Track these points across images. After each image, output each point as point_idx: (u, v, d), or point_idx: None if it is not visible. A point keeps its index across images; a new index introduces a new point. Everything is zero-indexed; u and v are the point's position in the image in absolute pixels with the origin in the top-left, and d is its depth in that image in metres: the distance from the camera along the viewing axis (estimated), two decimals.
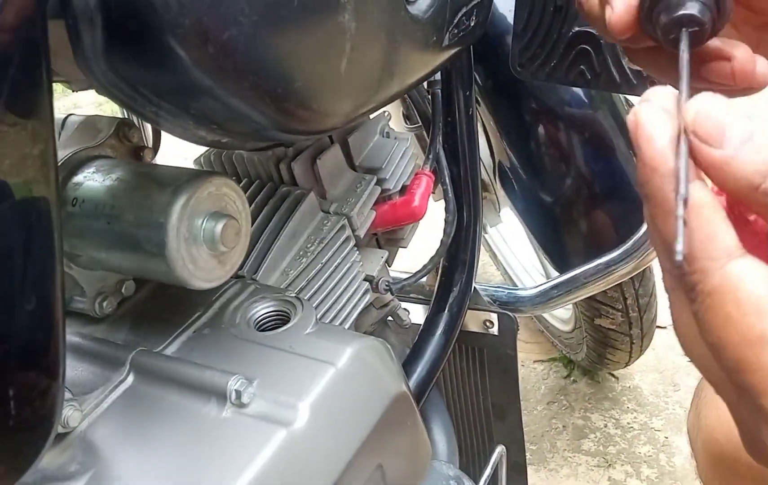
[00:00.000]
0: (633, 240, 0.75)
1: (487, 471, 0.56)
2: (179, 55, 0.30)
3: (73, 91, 0.49)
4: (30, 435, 0.34)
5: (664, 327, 1.69)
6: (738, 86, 0.36)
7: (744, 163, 0.26)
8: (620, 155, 0.93)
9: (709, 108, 0.27)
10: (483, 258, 2.00)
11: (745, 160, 0.26)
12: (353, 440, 0.43)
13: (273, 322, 0.50)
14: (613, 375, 1.59)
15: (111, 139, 0.48)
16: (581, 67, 0.67)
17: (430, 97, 0.71)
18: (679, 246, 0.25)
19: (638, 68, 0.62)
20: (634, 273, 0.78)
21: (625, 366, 1.44)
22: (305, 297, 0.61)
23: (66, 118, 0.49)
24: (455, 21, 0.50)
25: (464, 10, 0.50)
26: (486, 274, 2.01)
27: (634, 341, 1.23)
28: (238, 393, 0.41)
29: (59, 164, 0.45)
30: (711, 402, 0.67)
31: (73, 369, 0.47)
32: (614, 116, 0.98)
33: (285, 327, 0.48)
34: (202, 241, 0.42)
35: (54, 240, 0.31)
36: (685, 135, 0.27)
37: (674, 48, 0.34)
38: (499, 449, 0.56)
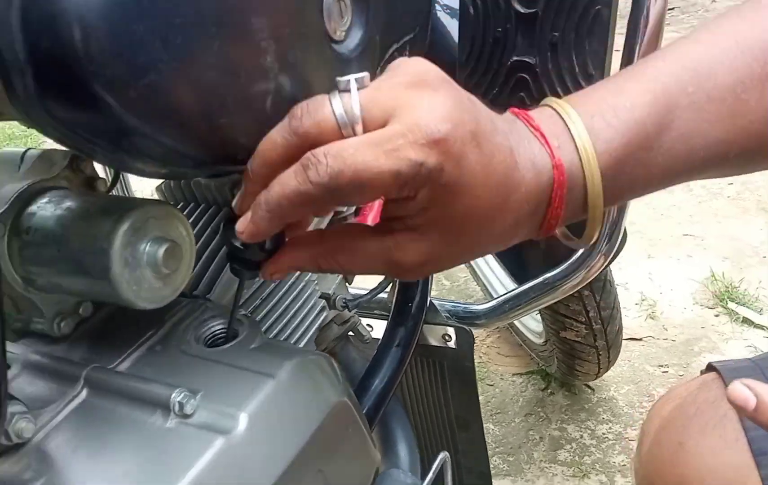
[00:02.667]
0: (578, 254, 0.79)
1: (429, 476, 0.58)
2: (105, 99, 0.34)
3: (27, 127, 0.52)
4: None
5: (639, 339, 1.73)
6: None
7: None
8: None
9: None
10: (465, 275, 2.03)
11: None
12: (291, 446, 0.46)
13: (221, 339, 0.54)
14: (589, 386, 1.62)
15: (65, 171, 0.51)
16: (521, 93, 0.71)
17: None
18: None
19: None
20: (583, 285, 0.81)
21: (596, 377, 1.47)
22: (259, 316, 0.64)
23: (25, 152, 0.53)
24: (387, 56, 0.53)
25: (396, 46, 0.54)
26: (468, 289, 2.05)
27: (601, 353, 1.25)
28: (181, 405, 0.44)
29: (16, 195, 0.49)
30: (648, 447, 0.69)
31: (31, 386, 0.50)
32: None
33: (230, 344, 0.51)
34: (146, 264, 0.45)
35: None
36: None
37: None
38: (443, 455, 0.59)
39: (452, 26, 0.91)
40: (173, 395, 0.44)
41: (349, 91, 0.39)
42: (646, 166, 0.45)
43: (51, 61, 0.32)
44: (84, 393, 0.48)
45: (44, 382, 0.50)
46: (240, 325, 0.53)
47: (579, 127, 0.43)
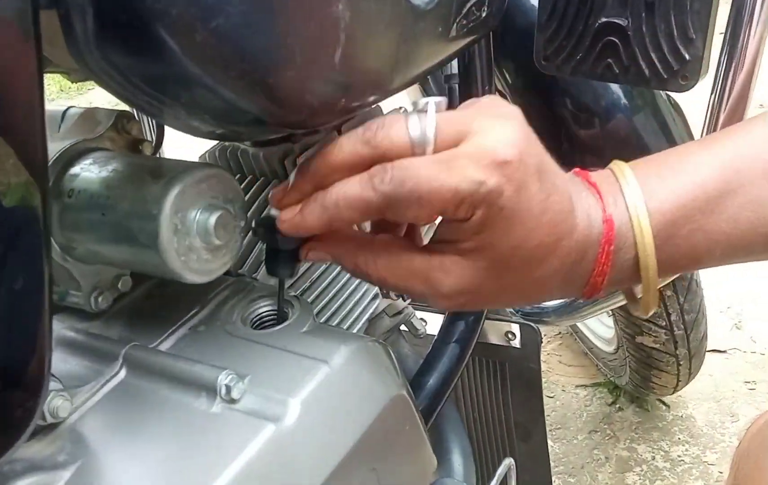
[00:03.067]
0: None
1: (493, 483, 0.59)
2: (168, 44, 0.35)
3: (71, 82, 0.54)
4: (10, 419, 0.37)
5: (723, 352, 1.70)
6: None
7: None
8: None
9: None
10: None
11: None
12: (345, 440, 0.47)
13: (269, 321, 0.55)
14: (663, 402, 1.60)
15: (110, 131, 0.53)
16: (608, 60, 0.70)
17: (447, 92, 0.75)
18: None
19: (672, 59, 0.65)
20: (666, 283, 0.80)
21: (673, 392, 1.45)
22: (308, 300, 0.65)
23: (66, 110, 0.54)
24: (464, 12, 0.53)
25: (473, 0, 0.54)
26: None
27: (681, 362, 1.24)
28: (228, 388, 0.45)
29: (57, 156, 0.50)
30: (750, 477, 0.68)
31: (66, 363, 0.52)
32: (656, 117, 1.01)
33: (280, 326, 0.52)
34: (195, 233, 0.46)
35: (41, 228, 0.35)
36: None
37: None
38: (507, 461, 0.59)
39: None
40: (220, 377, 0.46)
41: (425, 112, 0.43)
42: (707, 232, 0.46)
43: None
44: (123, 372, 0.50)
45: (80, 360, 0.52)
46: (290, 307, 0.54)
47: (632, 185, 0.46)
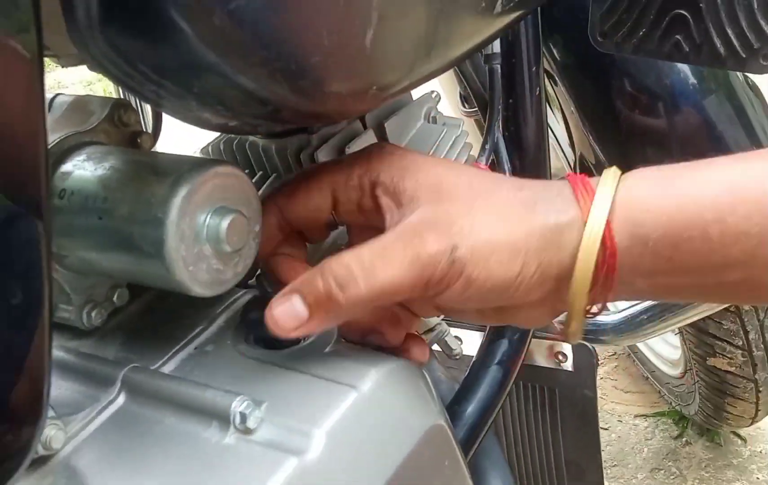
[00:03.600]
0: None
1: None
2: (182, 27, 0.36)
3: (62, 67, 0.55)
4: (6, 452, 0.38)
5: None
6: None
7: None
8: (736, 150, 0.95)
9: None
10: None
11: None
12: (377, 476, 0.48)
13: (288, 340, 0.56)
14: (739, 435, 1.60)
15: (104, 122, 0.54)
16: (677, 37, 0.70)
17: (487, 73, 0.76)
18: None
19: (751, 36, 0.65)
20: None
21: (751, 423, 1.45)
22: None
23: (54, 98, 0.56)
24: None
25: None
26: None
27: (761, 389, 1.24)
28: (243, 417, 0.46)
29: None
30: None
31: (57, 387, 0.53)
32: (731, 101, 1.01)
33: (300, 345, 0.53)
34: (205, 240, 0.48)
35: (42, 234, 0.37)
36: None
37: None
38: None
39: None
40: (233, 404, 0.47)
41: None
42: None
43: None
44: (121, 398, 0.51)
45: (72, 383, 0.54)
46: None
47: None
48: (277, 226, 0.54)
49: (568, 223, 0.48)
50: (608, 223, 0.47)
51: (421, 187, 0.50)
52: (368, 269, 0.48)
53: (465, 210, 0.49)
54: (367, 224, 0.53)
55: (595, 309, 0.50)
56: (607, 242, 0.47)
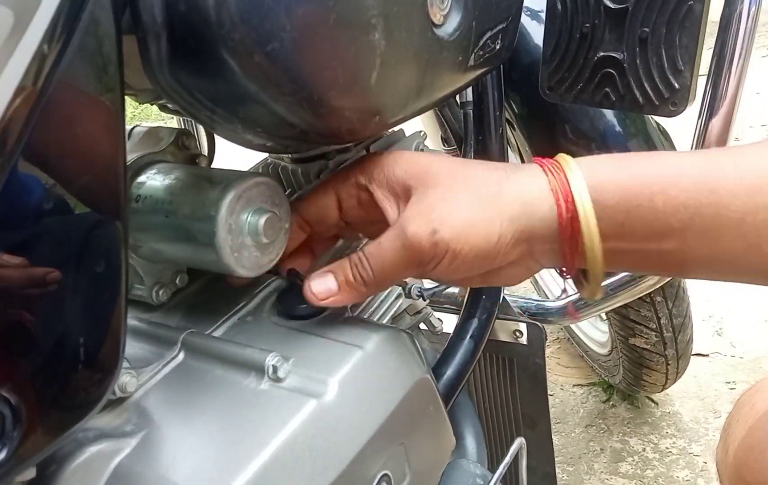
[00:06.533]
0: None
1: (506, 460, 0.59)
2: (230, 64, 0.36)
3: (139, 103, 0.55)
4: (88, 393, 0.38)
5: (706, 355, 1.68)
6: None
7: None
8: None
9: None
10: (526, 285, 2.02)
11: None
12: (377, 416, 0.47)
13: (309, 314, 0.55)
14: (652, 400, 1.59)
15: (171, 146, 0.54)
16: (606, 89, 0.70)
17: (462, 117, 0.76)
18: None
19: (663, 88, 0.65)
20: (659, 286, 0.80)
21: (662, 389, 1.44)
22: None
23: (132, 128, 0.56)
24: (480, 43, 0.54)
25: (489, 34, 0.55)
26: (520, 288, 2.03)
27: (670, 362, 1.23)
28: (275, 368, 0.46)
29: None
30: (739, 438, 0.68)
31: (132, 348, 0.53)
32: (647, 143, 1.00)
33: (318, 317, 0.53)
34: (247, 233, 0.47)
35: (121, 230, 0.36)
36: None
37: None
38: (519, 441, 0.59)
39: (533, 28, 0.92)
40: (267, 359, 0.46)
41: None
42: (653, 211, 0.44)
43: (185, 25, 0.34)
44: (181, 355, 0.51)
45: (143, 345, 0.53)
46: None
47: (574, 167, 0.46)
48: (298, 224, 0.53)
49: (537, 194, 0.46)
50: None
51: (409, 175, 0.48)
52: (374, 258, 0.48)
53: (446, 193, 0.47)
54: (368, 218, 0.52)
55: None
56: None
